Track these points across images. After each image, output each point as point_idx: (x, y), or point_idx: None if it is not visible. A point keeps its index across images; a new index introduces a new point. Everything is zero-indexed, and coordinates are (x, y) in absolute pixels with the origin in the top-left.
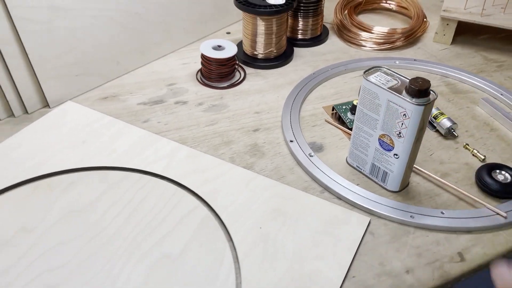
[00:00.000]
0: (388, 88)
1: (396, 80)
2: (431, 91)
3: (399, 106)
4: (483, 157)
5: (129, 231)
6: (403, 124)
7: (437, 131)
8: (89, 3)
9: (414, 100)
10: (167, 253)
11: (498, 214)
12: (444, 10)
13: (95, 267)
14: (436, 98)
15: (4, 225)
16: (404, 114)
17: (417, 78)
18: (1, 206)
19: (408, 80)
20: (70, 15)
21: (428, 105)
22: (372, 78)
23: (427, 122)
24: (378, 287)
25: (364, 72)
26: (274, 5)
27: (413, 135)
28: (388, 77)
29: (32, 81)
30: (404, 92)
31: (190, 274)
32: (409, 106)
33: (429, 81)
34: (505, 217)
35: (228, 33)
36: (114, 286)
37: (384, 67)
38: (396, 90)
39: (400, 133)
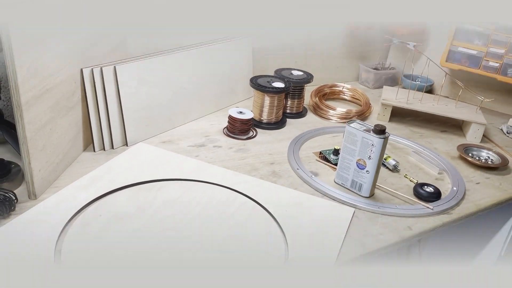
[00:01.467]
0: (362, 130)
1: (365, 126)
2: (386, 132)
3: (369, 140)
4: (416, 181)
5: (209, 210)
6: (372, 151)
7: (387, 168)
8: (158, 79)
9: (377, 136)
10: (237, 222)
11: (427, 207)
12: (383, 99)
13: (192, 227)
14: (389, 135)
15: (128, 205)
16: (372, 145)
17: (377, 124)
18: (122, 196)
19: (372, 126)
20: (148, 85)
21: (386, 139)
22: (352, 125)
23: (384, 150)
24: (365, 241)
25: (347, 123)
26: (277, 87)
27: (377, 157)
28: (360, 125)
29: (120, 127)
30: (371, 132)
31: (252, 231)
32: (375, 139)
33: (385, 126)
34: (432, 209)
35: (237, 107)
36: (207, 239)
37: (357, 120)
38: (366, 131)
39: (370, 156)
